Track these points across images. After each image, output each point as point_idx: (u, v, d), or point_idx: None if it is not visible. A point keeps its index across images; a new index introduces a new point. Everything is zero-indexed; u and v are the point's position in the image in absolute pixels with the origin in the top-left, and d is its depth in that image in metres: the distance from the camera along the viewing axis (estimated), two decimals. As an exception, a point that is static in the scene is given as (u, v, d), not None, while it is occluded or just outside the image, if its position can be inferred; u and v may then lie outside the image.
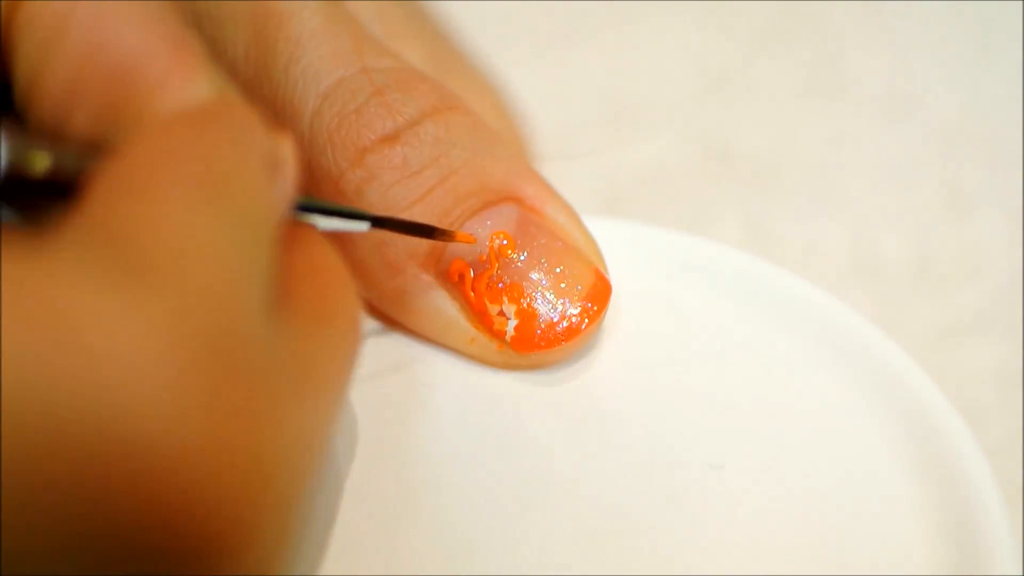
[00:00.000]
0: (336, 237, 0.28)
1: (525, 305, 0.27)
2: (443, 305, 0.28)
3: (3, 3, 0.21)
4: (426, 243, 0.27)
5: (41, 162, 0.20)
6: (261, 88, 0.28)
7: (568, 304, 0.27)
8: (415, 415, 0.27)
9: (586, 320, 0.27)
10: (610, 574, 0.24)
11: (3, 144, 0.19)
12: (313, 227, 0.24)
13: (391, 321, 0.28)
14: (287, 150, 0.22)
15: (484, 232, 0.27)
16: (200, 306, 0.18)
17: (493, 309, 0.27)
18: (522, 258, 0.27)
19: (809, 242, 0.44)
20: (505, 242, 0.27)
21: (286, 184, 0.22)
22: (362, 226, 0.25)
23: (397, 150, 0.27)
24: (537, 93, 0.46)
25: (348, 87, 0.27)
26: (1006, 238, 0.43)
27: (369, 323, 0.28)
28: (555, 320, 0.27)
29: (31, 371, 0.17)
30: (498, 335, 0.27)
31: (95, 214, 0.18)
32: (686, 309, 0.29)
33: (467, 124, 0.28)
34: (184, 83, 0.21)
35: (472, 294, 0.27)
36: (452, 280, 0.27)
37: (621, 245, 0.30)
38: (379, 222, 0.26)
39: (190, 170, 0.19)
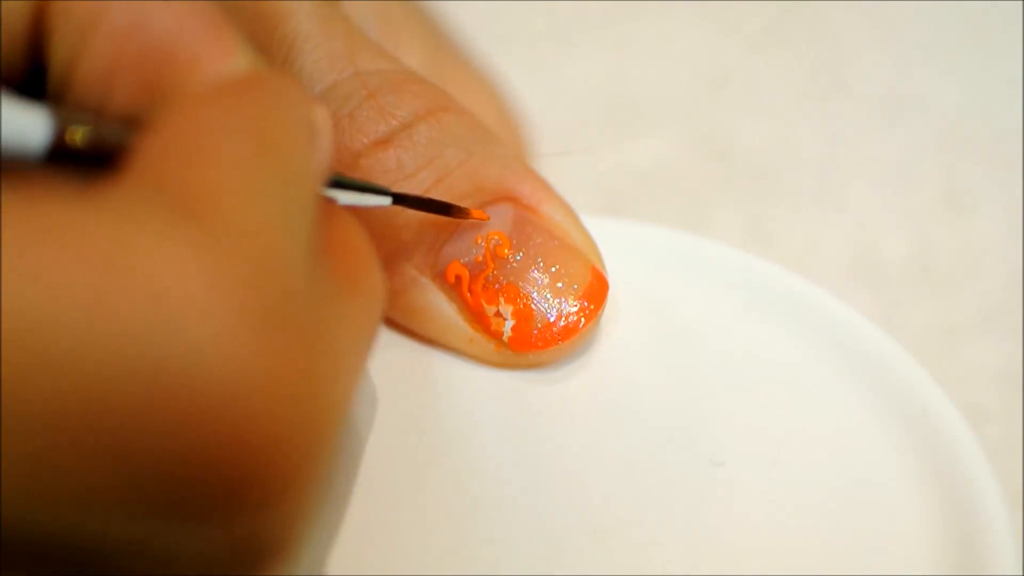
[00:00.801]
0: None
1: (522, 305, 0.27)
2: (441, 306, 0.28)
3: None
4: (423, 245, 0.27)
5: (83, 134, 0.20)
6: None
7: (565, 303, 0.27)
8: (413, 413, 0.27)
9: (583, 319, 0.27)
10: (610, 570, 0.24)
11: (47, 116, 0.20)
12: (335, 201, 0.24)
13: (389, 322, 0.28)
14: (325, 119, 0.22)
15: (480, 232, 0.27)
16: (256, 250, 0.18)
17: (490, 310, 0.27)
18: (518, 258, 0.27)
19: (809, 242, 0.44)
20: (500, 242, 0.27)
21: (323, 150, 0.22)
22: (384, 200, 0.26)
23: (391, 153, 0.27)
24: (537, 92, 0.46)
25: (341, 91, 0.27)
26: (1006, 238, 0.43)
27: None
28: (552, 320, 0.27)
29: (94, 308, 0.17)
30: (495, 335, 0.27)
31: (147, 166, 0.19)
32: (686, 308, 0.29)
33: (462, 125, 0.28)
34: (222, 59, 0.21)
35: (469, 295, 0.27)
36: (449, 281, 0.27)
37: (620, 244, 0.30)
38: (399, 198, 0.26)
39: (239, 127, 0.20)
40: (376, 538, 0.24)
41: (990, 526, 0.24)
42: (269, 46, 0.27)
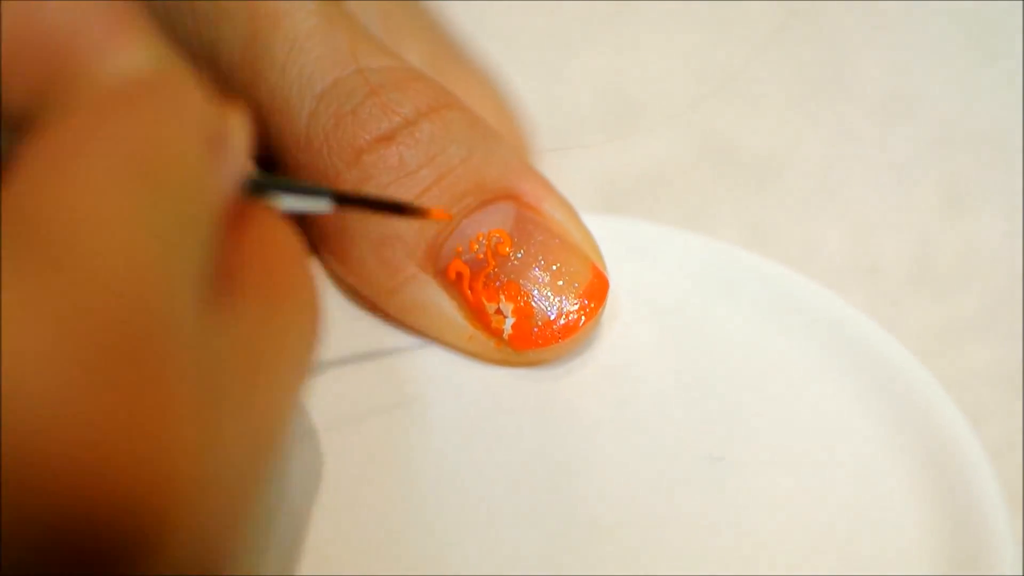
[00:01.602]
0: (336, 239, 0.28)
1: (522, 303, 0.27)
2: (441, 303, 0.28)
3: None
4: (424, 242, 0.27)
5: None
6: (258, 89, 0.28)
7: (565, 301, 0.27)
8: (411, 411, 0.27)
9: (583, 317, 0.27)
10: (610, 568, 0.24)
11: None
12: (265, 205, 0.22)
13: (389, 317, 0.28)
14: (236, 123, 0.21)
15: (481, 230, 0.27)
16: (105, 294, 0.17)
17: (491, 307, 0.27)
18: (519, 256, 0.27)
19: (809, 242, 0.44)
20: (502, 240, 0.27)
21: (232, 160, 0.20)
22: (322, 205, 0.23)
23: (393, 150, 0.27)
24: (538, 92, 0.46)
25: (344, 88, 0.27)
26: (1006, 238, 0.43)
27: (366, 319, 0.28)
28: (552, 318, 0.27)
29: None
30: (496, 333, 0.27)
31: (9, 196, 0.17)
32: (686, 307, 0.29)
33: (464, 122, 0.28)
34: (120, 52, 0.20)
35: (470, 292, 0.27)
36: (450, 278, 0.27)
37: (621, 243, 0.30)
38: (342, 199, 0.24)
39: (114, 148, 0.18)
40: (373, 538, 0.24)
41: (990, 526, 0.24)
42: (271, 45, 0.27)
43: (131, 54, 0.20)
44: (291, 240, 0.22)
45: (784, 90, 0.49)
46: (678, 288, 0.30)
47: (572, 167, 0.45)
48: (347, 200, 0.25)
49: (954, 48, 0.50)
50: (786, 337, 0.28)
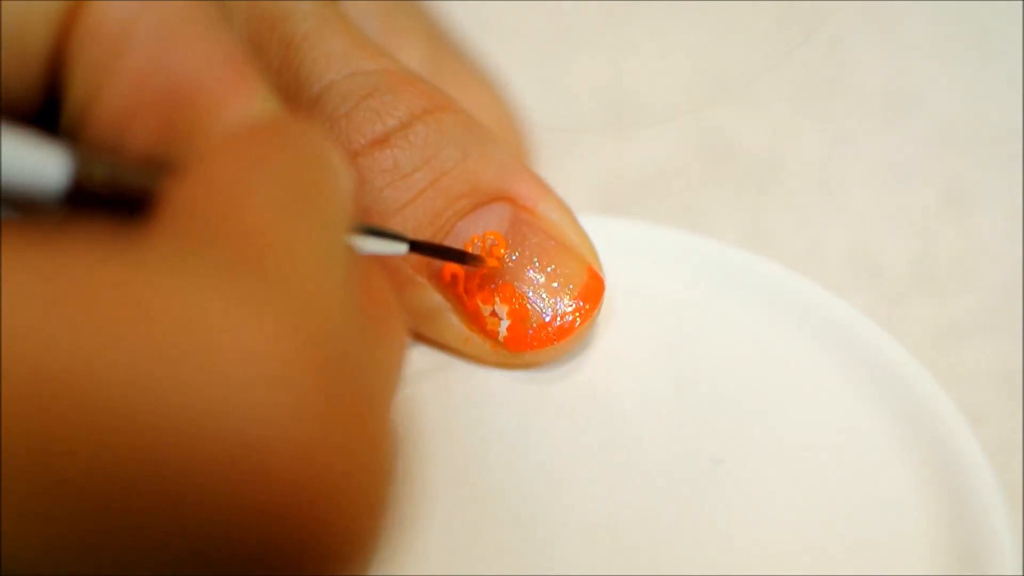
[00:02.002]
0: None
1: (517, 305, 0.27)
2: (437, 306, 0.28)
3: (55, 24, 0.21)
4: None
5: (103, 175, 0.19)
6: None
7: (560, 303, 0.27)
8: (410, 411, 0.27)
9: (579, 319, 0.27)
10: (609, 570, 0.24)
11: (66, 156, 0.19)
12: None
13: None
14: (346, 162, 0.22)
15: (476, 232, 0.27)
16: (310, 307, 0.17)
17: (486, 309, 0.27)
18: (514, 258, 0.27)
19: (809, 242, 0.43)
20: (497, 242, 0.27)
21: (350, 195, 0.21)
22: (401, 248, 0.25)
23: (387, 153, 0.27)
24: (537, 92, 0.46)
25: (339, 91, 0.27)
26: (1006, 238, 0.43)
27: None
28: (548, 320, 0.27)
29: (150, 376, 0.16)
30: (491, 335, 0.27)
31: (185, 215, 0.18)
32: (686, 307, 0.29)
33: (459, 124, 0.28)
34: (244, 101, 0.21)
35: (465, 294, 0.27)
36: (445, 280, 0.27)
37: (620, 243, 0.30)
38: (416, 246, 0.26)
39: (276, 171, 0.19)
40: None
41: (990, 526, 0.24)
42: (268, 47, 0.27)
43: (253, 102, 0.21)
44: (383, 277, 0.23)
45: (784, 90, 0.49)
46: (678, 289, 0.30)
47: (572, 167, 0.45)
48: (420, 247, 0.26)
49: (954, 48, 0.50)
50: (786, 337, 0.28)
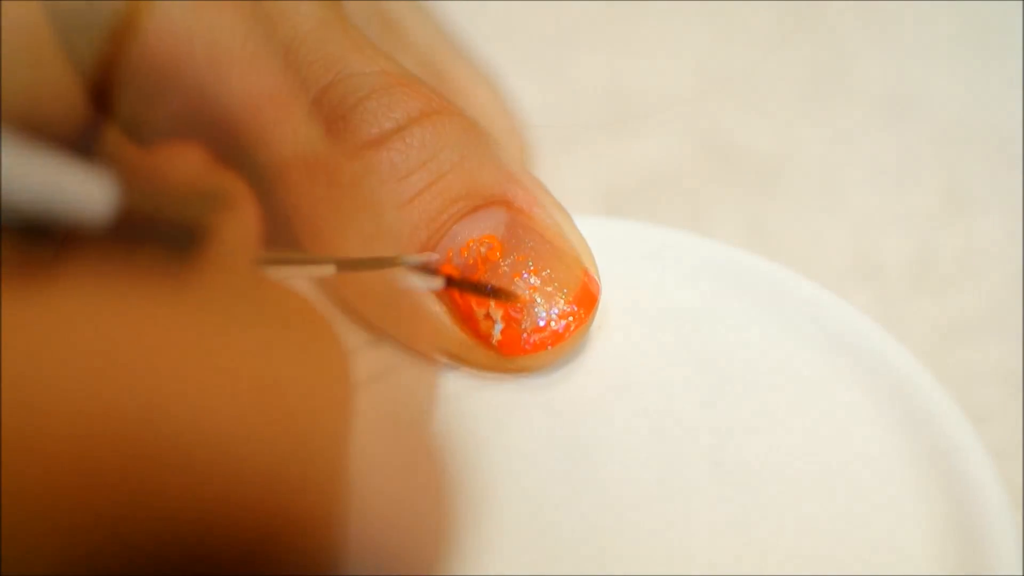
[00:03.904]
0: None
1: (512, 308, 0.27)
2: (431, 309, 0.27)
3: (106, 52, 0.21)
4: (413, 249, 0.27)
5: (146, 202, 0.19)
6: None
7: (555, 308, 0.27)
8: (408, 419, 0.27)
9: (574, 324, 0.27)
10: (611, 571, 0.24)
11: (110, 184, 0.18)
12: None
13: (379, 330, 0.28)
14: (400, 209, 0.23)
15: (472, 236, 0.27)
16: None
17: (480, 313, 0.27)
18: (509, 261, 0.27)
19: (809, 242, 0.43)
20: (492, 246, 0.27)
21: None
22: (437, 284, 0.27)
23: (384, 155, 0.27)
24: (537, 92, 0.46)
25: (336, 92, 0.27)
26: (1006, 238, 0.43)
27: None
28: (542, 324, 0.27)
29: (239, 428, 0.16)
30: (484, 339, 0.27)
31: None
32: (686, 308, 0.29)
33: (457, 127, 0.28)
34: (290, 131, 0.21)
35: (459, 298, 0.27)
36: (440, 284, 0.27)
37: (621, 245, 0.30)
38: (452, 282, 0.27)
39: (346, 208, 0.20)
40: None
41: (992, 526, 0.24)
42: (268, 48, 0.27)
43: (298, 132, 0.21)
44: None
45: (785, 90, 0.49)
46: (679, 290, 0.30)
47: (572, 168, 0.45)
48: (453, 283, 0.27)
49: (954, 48, 0.50)
50: (787, 338, 0.28)
